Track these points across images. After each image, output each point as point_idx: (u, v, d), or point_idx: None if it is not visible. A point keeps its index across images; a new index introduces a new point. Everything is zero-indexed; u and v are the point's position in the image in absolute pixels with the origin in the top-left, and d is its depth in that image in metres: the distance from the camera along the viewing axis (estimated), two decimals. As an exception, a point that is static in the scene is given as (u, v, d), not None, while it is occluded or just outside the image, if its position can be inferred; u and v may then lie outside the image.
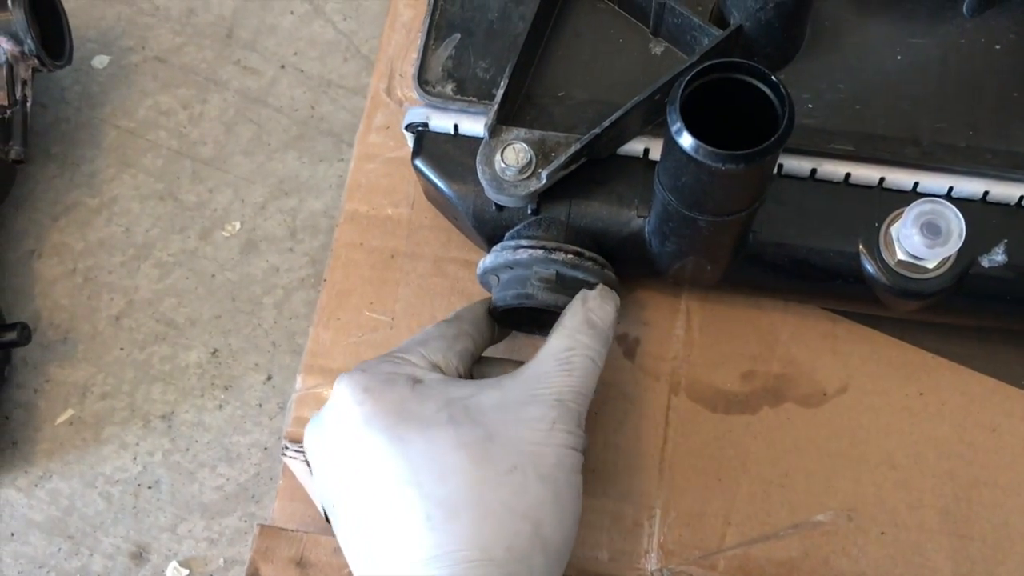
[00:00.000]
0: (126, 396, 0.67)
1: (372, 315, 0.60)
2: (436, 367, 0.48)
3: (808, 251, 0.50)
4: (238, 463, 0.65)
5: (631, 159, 0.52)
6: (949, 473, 0.54)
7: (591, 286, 0.50)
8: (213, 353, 0.68)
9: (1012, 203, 0.50)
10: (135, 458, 0.66)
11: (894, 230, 0.49)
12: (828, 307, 0.57)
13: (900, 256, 0.48)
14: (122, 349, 0.69)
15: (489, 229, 0.53)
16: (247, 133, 0.74)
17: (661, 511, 0.55)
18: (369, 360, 0.48)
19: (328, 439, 0.46)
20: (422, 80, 0.53)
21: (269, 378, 0.67)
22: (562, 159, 0.49)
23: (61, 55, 0.71)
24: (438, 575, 0.41)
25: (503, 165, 0.49)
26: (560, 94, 0.52)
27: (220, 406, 0.67)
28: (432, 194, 0.56)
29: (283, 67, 0.76)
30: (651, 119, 0.51)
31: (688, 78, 0.42)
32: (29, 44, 0.66)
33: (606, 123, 0.48)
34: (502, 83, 0.50)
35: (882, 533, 0.53)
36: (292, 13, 0.77)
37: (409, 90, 0.54)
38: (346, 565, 0.48)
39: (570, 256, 0.50)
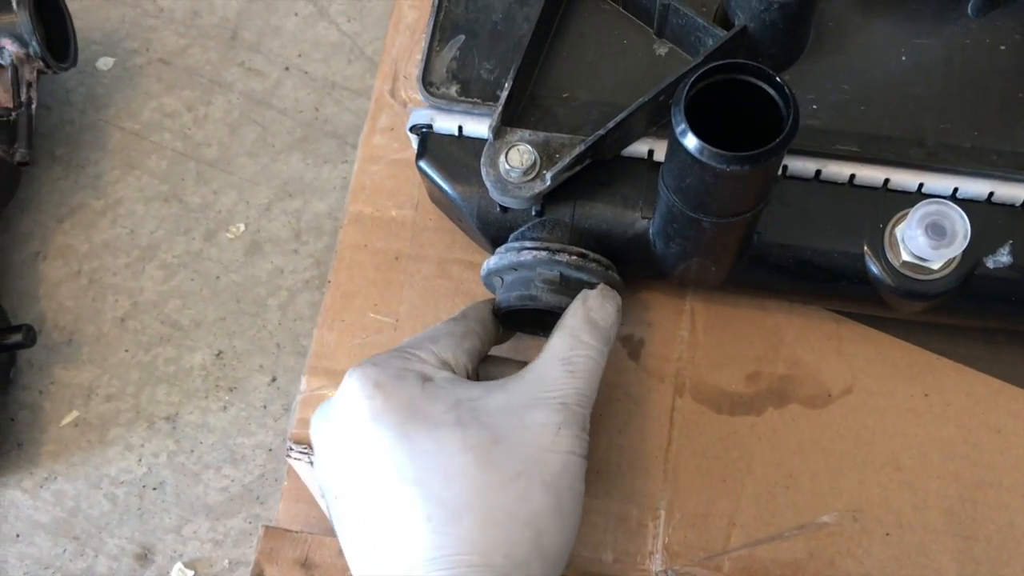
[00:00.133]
0: (131, 398, 0.67)
1: (376, 317, 0.60)
2: (446, 364, 0.48)
3: (813, 252, 0.50)
4: (243, 464, 0.65)
5: (635, 160, 0.52)
6: (954, 474, 0.54)
7: (594, 287, 0.50)
8: (218, 355, 0.68)
9: (1017, 204, 0.49)
10: (140, 459, 0.66)
11: (899, 231, 0.49)
12: (833, 308, 0.57)
13: (905, 257, 0.48)
14: (127, 351, 0.69)
15: (493, 231, 0.53)
16: (251, 135, 0.74)
17: (666, 512, 0.54)
18: (380, 354, 0.48)
19: (335, 431, 0.46)
20: (426, 82, 0.53)
21: (273, 380, 0.67)
22: (566, 161, 0.49)
23: (66, 57, 0.71)
24: None
25: (507, 167, 0.49)
26: (564, 95, 0.52)
27: (225, 408, 0.67)
28: (436, 196, 0.56)
29: (287, 69, 0.76)
30: (655, 120, 0.51)
31: (692, 80, 0.42)
32: (34, 46, 0.67)
33: (610, 125, 0.48)
34: (506, 84, 0.50)
35: (887, 534, 0.53)
36: (296, 15, 0.77)
37: (413, 92, 0.54)
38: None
39: (574, 258, 0.50)
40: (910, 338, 0.57)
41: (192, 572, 0.63)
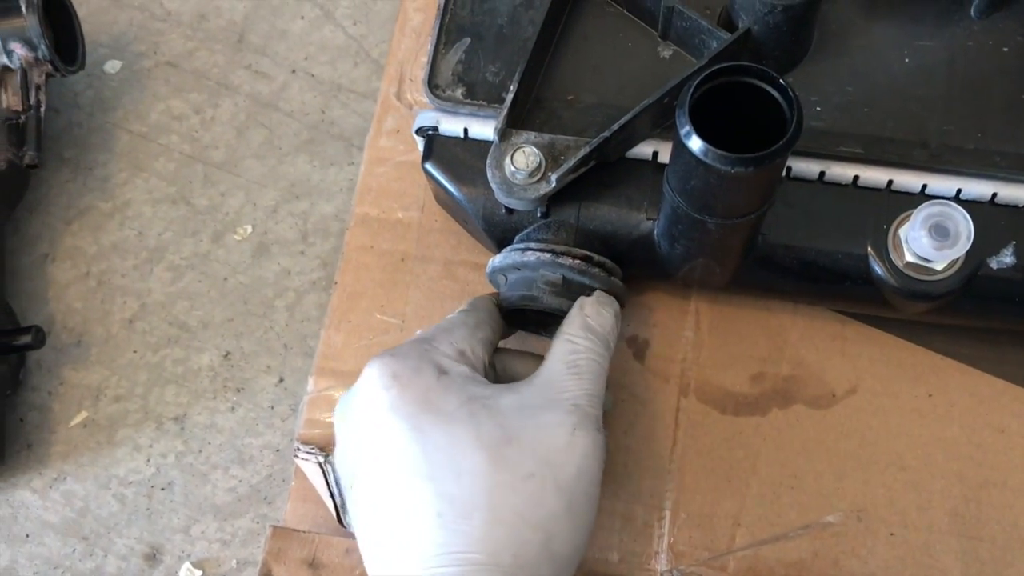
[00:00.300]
0: (139, 399, 0.68)
1: (383, 318, 0.60)
2: (463, 355, 0.48)
3: (817, 253, 0.50)
4: (250, 465, 0.66)
5: (640, 162, 0.52)
6: (958, 474, 0.54)
7: (590, 293, 0.51)
8: (225, 356, 0.69)
9: (1020, 205, 0.50)
10: (148, 460, 0.66)
11: (903, 232, 0.49)
12: (837, 309, 0.58)
13: (908, 258, 0.49)
14: (135, 352, 0.69)
15: (499, 232, 0.54)
16: (258, 137, 0.74)
17: (671, 512, 0.55)
18: (401, 345, 0.48)
19: (354, 419, 0.46)
20: (432, 84, 0.53)
21: (281, 380, 0.68)
22: (571, 163, 0.49)
23: (74, 60, 0.71)
24: (442, 574, 0.41)
25: (513, 169, 0.50)
26: (569, 98, 0.53)
27: (232, 408, 0.67)
28: (442, 197, 0.56)
29: (294, 72, 0.76)
30: (660, 122, 0.51)
31: (697, 82, 0.42)
32: (43, 50, 0.67)
33: (615, 127, 0.49)
34: (512, 87, 0.50)
35: (891, 534, 0.54)
36: (303, 18, 0.78)
37: (419, 94, 0.54)
38: (358, 566, 0.49)
39: (577, 261, 0.50)
40: (914, 339, 0.57)
41: (200, 572, 0.64)
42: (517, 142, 0.50)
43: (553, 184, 0.49)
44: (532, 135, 0.50)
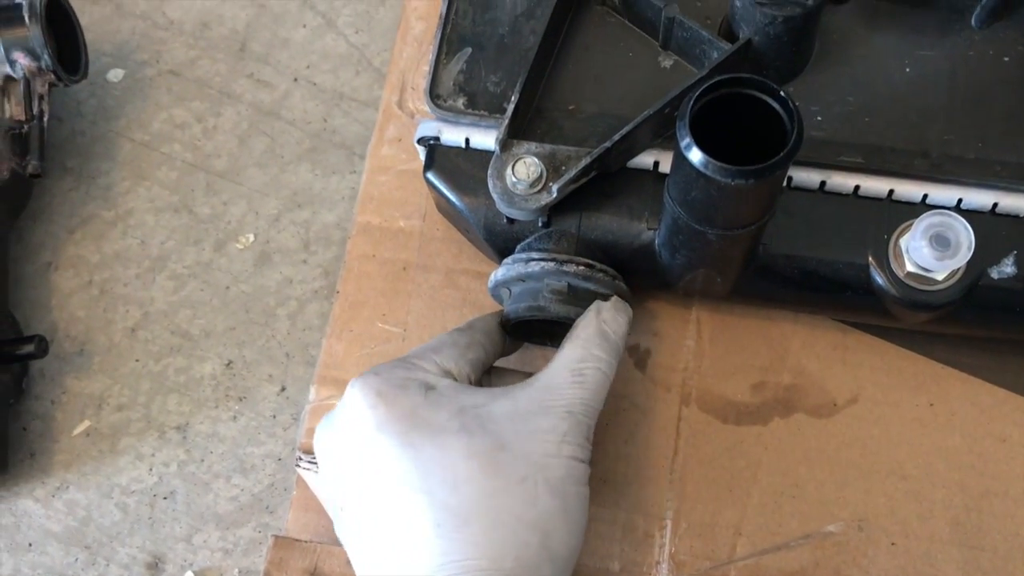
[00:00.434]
0: (142, 407, 0.68)
1: (384, 327, 0.60)
2: (448, 374, 0.48)
3: (818, 263, 0.51)
4: (252, 474, 0.66)
5: (641, 172, 0.52)
6: (960, 484, 0.54)
7: (604, 297, 0.51)
8: (227, 365, 0.69)
9: (1021, 215, 0.50)
10: (151, 469, 0.66)
11: (903, 242, 0.49)
12: (838, 318, 0.58)
13: (909, 268, 0.49)
14: (137, 361, 0.69)
15: (500, 241, 0.54)
16: (260, 146, 0.74)
17: (672, 522, 0.55)
18: (382, 364, 0.48)
19: (339, 442, 0.46)
20: (434, 94, 0.54)
21: (283, 389, 0.68)
22: (572, 173, 0.49)
23: (77, 70, 0.71)
24: None
25: (514, 179, 0.50)
26: (570, 108, 0.53)
27: (234, 417, 0.67)
28: (444, 207, 0.56)
29: (296, 80, 0.76)
30: (661, 132, 0.51)
31: (697, 94, 0.42)
32: (46, 59, 0.67)
33: (616, 137, 0.49)
34: (513, 97, 0.51)
35: (892, 544, 0.54)
36: (305, 26, 0.78)
37: (421, 103, 0.54)
38: (359, 576, 0.48)
39: (582, 268, 0.50)
40: (915, 348, 0.57)
41: (202, 580, 0.64)
42: (518, 152, 0.50)
43: (554, 194, 0.49)
44: (533, 145, 0.50)
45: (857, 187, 0.50)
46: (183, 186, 0.73)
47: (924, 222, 0.47)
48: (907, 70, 0.52)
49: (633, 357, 0.58)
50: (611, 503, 0.55)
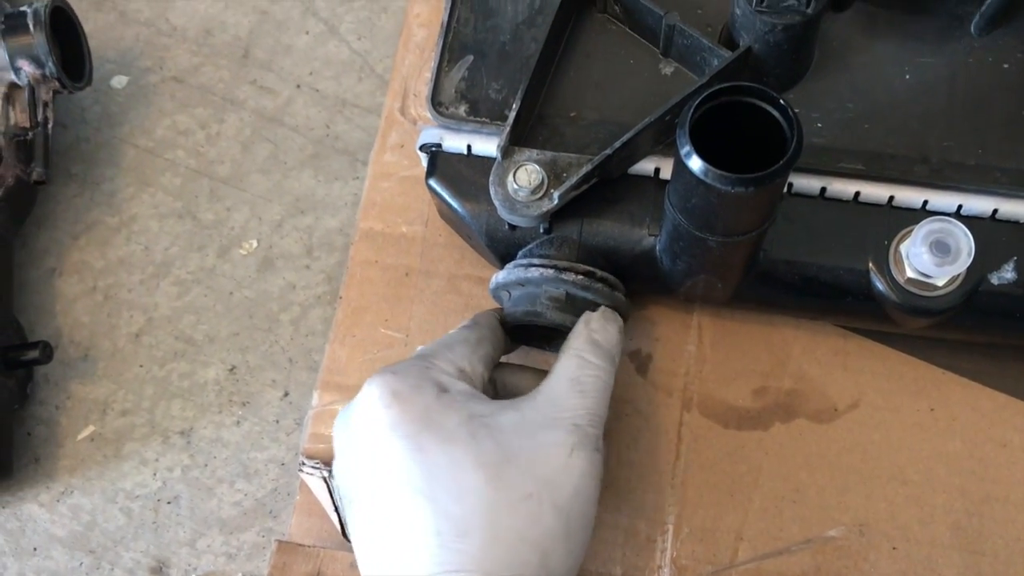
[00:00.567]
0: (146, 413, 0.68)
1: (387, 332, 0.61)
2: (463, 372, 0.48)
3: (818, 269, 0.51)
4: (256, 479, 0.66)
5: (642, 178, 0.52)
6: (960, 489, 0.55)
7: (596, 308, 0.51)
8: (231, 370, 0.69)
9: (1021, 221, 0.50)
10: (155, 474, 0.67)
11: (903, 248, 0.49)
12: (839, 324, 0.58)
13: (909, 274, 0.49)
14: (141, 366, 0.70)
15: (502, 248, 0.54)
16: (264, 152, 0.75)
17: (674, 526, 0.55)
18: (400, 362, 0.48)
19: (353, 436, 0.46)
20: (436, 101, 0.54)
21: (286, 394, 0.68)
22: (574, 180, 0.49)
23: (81, 77, 0.72)
24: None
25: (515, 186, 0.50)
26: (571, 115, 0.53)
27: (238, 422, 0.68)
28: (446, 213, 0.56)
29: (299, 87, 0.77)
30: (662, 139, 0.51)
31: (697, 102, 0.42)
32: (50, 67, 0.68)
33: (617, 144, 0.49)
34: (514, 104, 0.51)
35: (894, 548, 0.54)
36: (307, 33, 0.78)
37: (423, 109, 0.55)
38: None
39: (580, 277, 0.50)
40: (916, 353, 0.57)
41: (206, 585, 0.64)
42: (519, 159, 0.50)
43: (555, 201, 0.50)
44: (534, 152, 0.51)
45: (857, 193, 0.50)
46: (187, 192, 0.74)
47: (924, 228, 0.47)
48: (907, 77, 0.52)
49: (634, 362, 0.58)
50: (613, 508, 0.55)
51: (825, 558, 0.54)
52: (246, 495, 0.66)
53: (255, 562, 0.64)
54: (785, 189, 0.51)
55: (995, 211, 0.50)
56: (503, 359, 0.54)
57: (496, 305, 0.56)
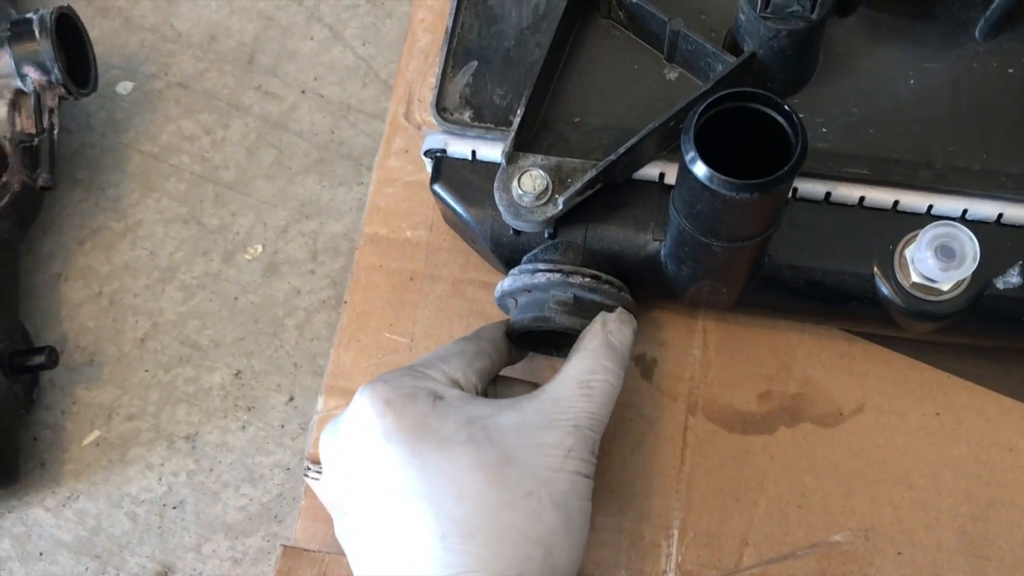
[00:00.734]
0: (151, 417, 0.68)
1: (392, 337, 0.61)
2: (456, 383, 0.48)
3: (823, 273, 0.51)
4: (261, 483, 0.66)
5: (647, 183, 0.52)
6: (966, 493, 0.55)
7: (609, 309, 0.51)
8: (236, 375, 0.69)
9: (1026, 225, 0.50)
10: (160, 478, 0.67)
11: (908, 253, 0.49)
12: (844, 328, 0.58)
13: (915, 278, 0.49)
14: (147, 371, 0.70)
15: (507, 253, 0.54)
16: (268, 157, 0.75)
17: (679, 531, 0.55)
18: (390, 372, 0.48)
19: (346, 448, 0.46)
20: (440, 107, 0.54)
21: (291, 399, 0.68)
22: (578, 185, 0.49)
23: (86, 83, 0.72)
24: None
25: (520, 192, 0.50)
26: (576, 120, 0.53)
27: (243, 427, 0.68)
28: (450, 218, 0.56)
29: (303, 92, 0.77)
30: (666, 144, 0.51)
31: (702, 108, 0.42)
32: (56, 74, 0.68)
33: (622, 149, 0.49)
34: (519, 110, 0.51)
35: (899, 553, 0.54)
36: (312, 39, 0.78)
37: (427, 114, 0.55)
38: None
39: (587, 279, 0.50)
40: (921, 357, 0.57)
41: (211, 590, 0.64)
42: (524, 165, 0.51)
43: (560, 207, 0.50)
44: (539, 158, 0.51)
45: (862, 198, 0.50)
46: (192, 197, 0.74)
47: (929, 233, 0.47)
48: (911, 82, 0.52)
49: (639, 366, 0.58)
50: (617, 512, 0.56)
51: (831, 563, 0.54)
52: (251, 500, 0.66)
53: (260, 567, 0.64)
54: (790, 194, 0.51)
55: (1000, 215, 0.50)
56: (509, 371, 0.54)
57: (502, 315, 0.56)
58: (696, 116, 0.42)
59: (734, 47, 0.51)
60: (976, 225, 0.49)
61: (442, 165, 0.54)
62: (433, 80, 0.55)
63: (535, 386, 0.52)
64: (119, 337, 0.71)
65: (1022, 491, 0.54)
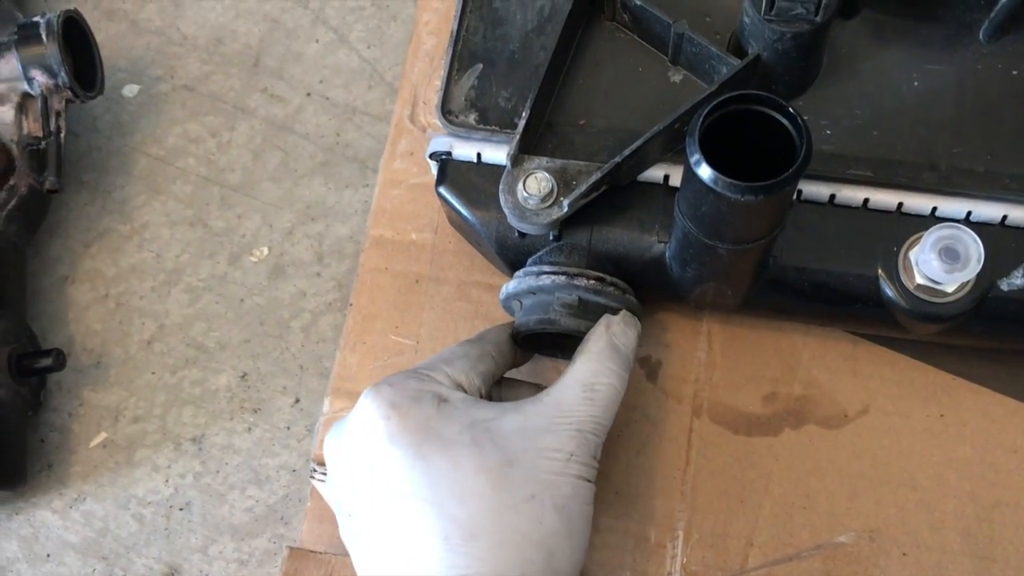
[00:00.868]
0: (157, 419, 0.69)
1: (397, 339, 0.61)
2: (459, 386, 0.48)
3: (828, 275, 0.51)
4: (267, 485, 0.66)
5: (651, 185, 0.52)
6: (971, 494, 0.55)
7: (614, 311, 0.51)
8: (242, 377, 0.69)
9: (1030, 227, 0.50)
10: (167, 480, 0.67)
11: (913, 255, 0.49)
12: (848, 329, 0.58)
13: (919, 280, 0.49)
14: (153, 373, 0.70)
15: (512, 255, 0.54)
16: (274, 160, 0.75)
17: (684, 533, 0.55)
18: (395, 375, 0.48)
19: (351, 450, 0.47)
20: (445, 110, 0.54)
21: (297, 401, 0.68)
22: (583, 187, 0.50)
23: (93, 86, 0.72)
24: None
25: (525, 194, 0.50)
26: (581, 122, 0.53)
27: (249, 429, 0.68)
28: (455, 221, 0.57)
29: (309, 95, 0.77)
30: (671, 146, 0.51)
31: (706, 110, 0.42)
32: (63, 77, 0.68)
33: (626, 152, 0.49)
34: (524, 112, 0.51)
35: (904, 554, 0.54)
36: (317, 42, 0.79)
37: (433, 117, 0.55)
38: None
39: (592, 282, 0.50)
40: (926, 359, 0.57)
41: (218, 591, 0.65)
42: (529, 167, 0.51)
43: (565, 209, 0.50)
44: (544, 160, 0.51)
45: (866, 200, 0.51)
46: (198, 200, 0.74)
47: (933, 235, 0.47)
48: (915, 84, 0.52)
49: (644, 368, 0.59)
50: (622, 514, 0.56)
51: (835, 564, 0.54)
52: (257, 501, 0.66)
53: (266, 568, 0.64)
54: (794, 196, 0.51)
55: (1004, 217, 0.50)
56: (513, 373, 0.55)
57: (507, 317, 0.56)
58: (701, 118, 0.42)
59: (738, 50, 0.51)
60: (980, 227, 0.49)
61: (447, 168, 0.54)
62: (438, 83, 0.55)
63: (539, 388, 0.52)
64: (126, 339, 0.71)
65: (1027, 492, 0.54)
